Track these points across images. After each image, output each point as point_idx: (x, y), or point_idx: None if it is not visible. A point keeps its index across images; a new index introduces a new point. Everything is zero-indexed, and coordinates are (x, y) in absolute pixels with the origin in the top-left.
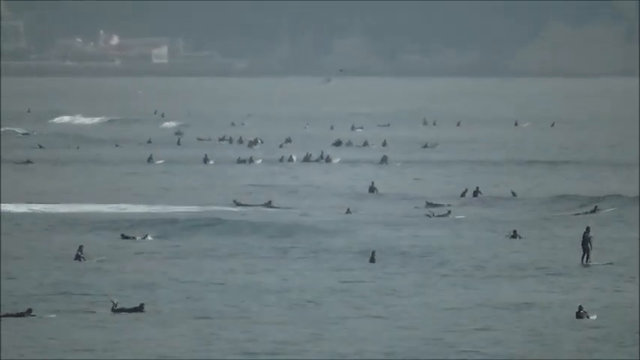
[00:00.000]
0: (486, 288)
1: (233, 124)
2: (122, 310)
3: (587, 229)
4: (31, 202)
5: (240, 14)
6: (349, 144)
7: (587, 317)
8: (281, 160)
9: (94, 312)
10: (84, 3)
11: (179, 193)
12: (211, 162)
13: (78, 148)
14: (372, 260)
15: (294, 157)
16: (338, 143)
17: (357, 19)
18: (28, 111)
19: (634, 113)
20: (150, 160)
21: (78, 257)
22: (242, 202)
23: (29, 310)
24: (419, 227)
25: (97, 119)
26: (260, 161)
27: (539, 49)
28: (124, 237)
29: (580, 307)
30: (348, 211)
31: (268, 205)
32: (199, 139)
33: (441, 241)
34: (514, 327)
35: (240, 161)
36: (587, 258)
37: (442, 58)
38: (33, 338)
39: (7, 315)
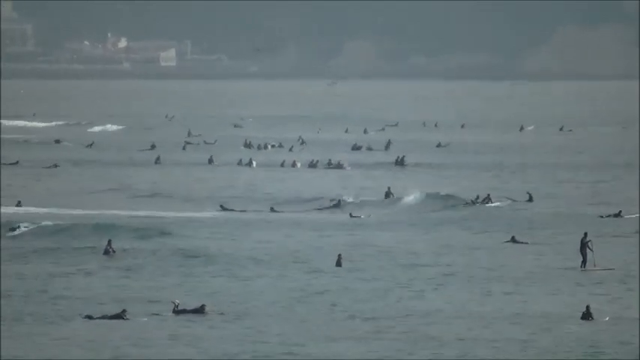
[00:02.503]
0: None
1: (236, 126)
2: (184, 311)
3: (585, 234)
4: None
5: (248, 18)
6: (369, 148)
7: (592, 318)
8: (282, 165)
9: (157, 314)
10: (92, 6)
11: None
12: (215, 163)
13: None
14: (339, 264)
15: (299, 164)
16: (356, 148)
17: (364, 22)
18: (34, 115)
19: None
20: (157, 161)
21: (107, 251)
22: (228, 207)
23: (124, 311)
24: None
25: (51, 123)
26: (255, 164)
27: (548, 52)
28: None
29: (587, 307)
30: (351, 216)
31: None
32: (187, 143)
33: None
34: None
35: (242, 164)
36: (585, 264)
37: (450, 61)
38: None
39: (103, 317)
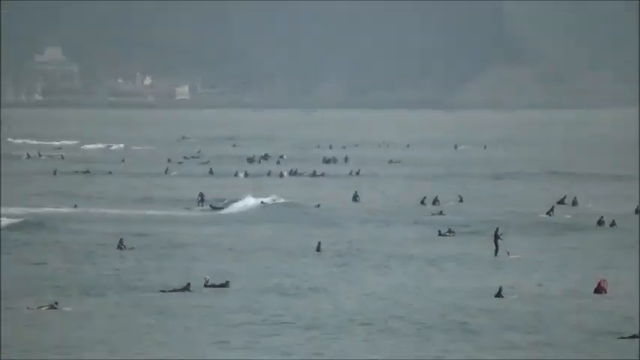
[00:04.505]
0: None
1: (234, 145)
2: (213, 285)
3: (497, 229)
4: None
5: (245, 61)
6: (335, 160)
7: (503, 297)
8: (269, 174)
9: (190, 291)
10: (126, 52)
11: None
12: (215, 173)
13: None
14: (318, 249)
15: (285, 173)
16: (326, 161)
17: (334, 65)
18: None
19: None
20: (166, 172)
21: (120, 247)
22: (216, 206)
23: (188, 284)
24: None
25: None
26: (242, 174)
27: (476, 87)
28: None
29: (500, 289)
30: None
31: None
32: (185, 158)
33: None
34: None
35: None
36: (497, 252)
37: (402, 94)
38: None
39: (174, 290)
